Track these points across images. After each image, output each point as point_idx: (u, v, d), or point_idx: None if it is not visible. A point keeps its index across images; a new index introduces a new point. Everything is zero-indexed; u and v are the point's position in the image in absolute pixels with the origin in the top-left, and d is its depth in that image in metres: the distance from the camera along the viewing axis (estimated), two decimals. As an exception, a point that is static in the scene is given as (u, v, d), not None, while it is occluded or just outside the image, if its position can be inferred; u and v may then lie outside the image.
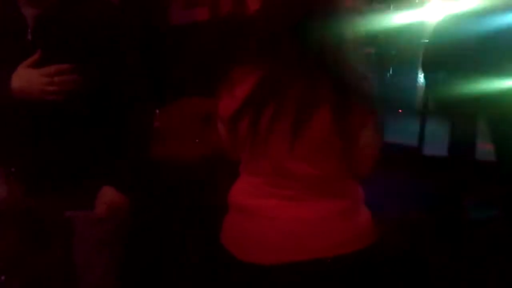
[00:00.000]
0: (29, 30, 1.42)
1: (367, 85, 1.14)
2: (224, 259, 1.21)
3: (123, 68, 1.52)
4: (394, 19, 3.78)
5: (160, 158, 1.54)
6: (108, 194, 1.53)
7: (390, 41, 3.83)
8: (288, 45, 1.09)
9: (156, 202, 1.75)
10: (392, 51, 4.15)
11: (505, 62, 2.61)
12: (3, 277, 1.45)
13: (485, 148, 2.92)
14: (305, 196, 1.17)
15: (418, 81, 4.36)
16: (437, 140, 3.77)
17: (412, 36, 3.88)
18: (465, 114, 2.84)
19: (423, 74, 2.90)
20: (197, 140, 1.64)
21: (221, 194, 1.28)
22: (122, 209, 1.56)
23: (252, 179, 1.20)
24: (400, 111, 4.78)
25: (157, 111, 1.61)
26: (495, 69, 2.61)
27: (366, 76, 1.15)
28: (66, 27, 1.43)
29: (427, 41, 2.82)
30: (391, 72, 4.33)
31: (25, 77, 1.36)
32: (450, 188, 2.98)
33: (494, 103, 2.77)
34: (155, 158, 1.57)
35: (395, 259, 2.44)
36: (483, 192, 2.91)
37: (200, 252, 1.56)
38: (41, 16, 1.42)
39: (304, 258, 1.13)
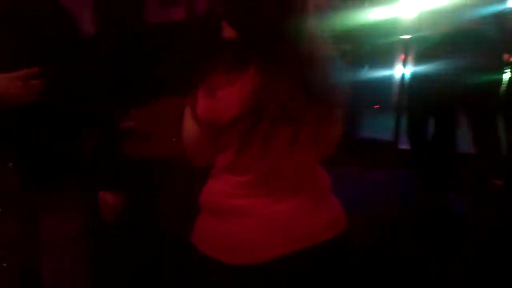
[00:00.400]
0: None
1: (338, 82, 1.16)
2: (205, 263, 1.19)
3: (81, 69, 1.50)
4: (369, 16, 3.84)
5: (136, 157, 1.53)
6: (109, 199, 1.59)
7: (365, 38, 3.88)
8: (277, 46, 1.09)
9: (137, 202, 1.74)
10: (368, 48, 4.19)
11: (480, 59, 2.71)
12: (4, 264, 1.46)
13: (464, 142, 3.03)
14: (289, 191, 1.18)
15: (394, 77, 4.44)
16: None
17: (387, 32, 3.94)
18: (445, 109, 2.93)
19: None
20: (174, 139, 1.64)
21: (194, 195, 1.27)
22: (121, 207, 1.62)
23: (236, 179, 1.18)
24: (376, 106, 4.88)
25: (133, 110, 1.61)
26: (472, 66, 2.72)
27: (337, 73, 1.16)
28: (16, 28, 1.43)
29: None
30: (367, 68, 4.39)
31: None
32: (427, 181, 3.05)
33: (475, 98, 2.88)
34: (131, 157, 1.56)
35: (370, 249, 2.50)
36: (460, 185, 3.00)
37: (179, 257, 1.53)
38: None
39: (288, 252, 1.15)
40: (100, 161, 1.57)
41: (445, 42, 2.74)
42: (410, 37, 3.72)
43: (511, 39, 2.83)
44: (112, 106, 1.56)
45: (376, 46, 4.00)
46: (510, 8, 2.89)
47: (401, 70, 4.04)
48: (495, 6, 2.76)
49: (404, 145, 3.81)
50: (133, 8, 1.92)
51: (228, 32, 1.13)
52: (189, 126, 1.17)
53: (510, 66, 2.92)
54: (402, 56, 4.22)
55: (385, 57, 4.38)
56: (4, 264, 1.48)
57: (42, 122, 1.47)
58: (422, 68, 2.92)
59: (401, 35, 4.00)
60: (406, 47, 4.11)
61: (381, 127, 4.19)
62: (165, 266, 1.73)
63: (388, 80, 4.48)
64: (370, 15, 3.74)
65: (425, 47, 2.95)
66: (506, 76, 2.93)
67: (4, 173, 1.46)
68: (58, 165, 1.53)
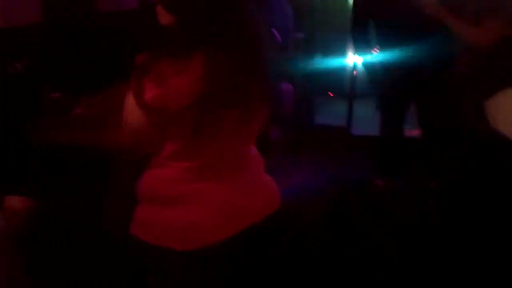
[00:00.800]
0: None
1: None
2: (154, 253, 1.17)
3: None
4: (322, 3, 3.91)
5: (85, 145, 1.51)
6: (15, 204, 1.49)
7: (318, 26, 3.95)
8: (226, 33, 1.10)
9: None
10: (320, 36, 4.27)
11: (431, 46, 2.81)
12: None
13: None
14: (230, 174, 1.21)
15: (347, 65, 4.55)
16: (364, 121, 3.98)
17: (340, 20, 4.02)
18: (395, 95, 3.04)
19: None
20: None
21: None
22: (24, 214, 1.50)
23: (183, 165, 1.17)
24: (331, 94, 4.99)
25: (82, 98, 1.60)
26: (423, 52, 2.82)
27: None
28: None
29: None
30: (320, 56, 4.49)
31: None
32: (380, 165, 3.17)
33: (423, 85, 3.00)
34: (79, 145, 1.53)
35: (323, 231, 2.60)
36: (409, 170, 3.13)
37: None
38: None
39: (235, 231, 1.18)
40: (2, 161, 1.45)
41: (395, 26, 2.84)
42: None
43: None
44: (60, 93, 1.52)
45: (328, 33, 4.08)
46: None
47: (354, 58, 4.14)
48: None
49: (356, 131, 3.94)
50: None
51: (164, 16, 1.12)
52: (134, 115, 1.14)
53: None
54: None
55: (338, 44, 4.49)
56: None
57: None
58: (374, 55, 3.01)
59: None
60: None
61: (334, 114, 4.31)
62: (107, 263, 1.67)
63: (341, 68, 4.59)
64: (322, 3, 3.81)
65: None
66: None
67: None
68: None
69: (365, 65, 3.13)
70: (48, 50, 1.60)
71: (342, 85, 4.56)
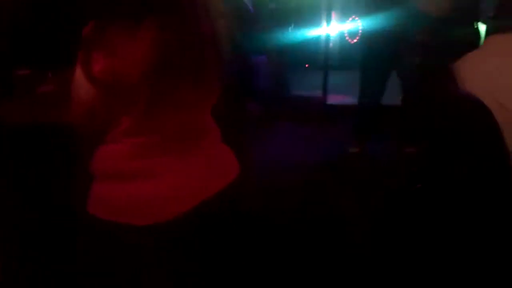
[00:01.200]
0: None
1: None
2: (113, 229, 1.14)
3: None
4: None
5: (54, 123, 1.48)
6: None
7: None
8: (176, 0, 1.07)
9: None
10: (294, 6, 4.25)
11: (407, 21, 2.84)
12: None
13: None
14: (187, 145, 1.19)
15: (321, 36, 4.54)
16: (339, 91, 4.01)
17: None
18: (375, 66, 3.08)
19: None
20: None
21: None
22: None
23: (139, 140, 1.14)
24: (306, 66, 5.01)
25: (50, 74, 1.57)
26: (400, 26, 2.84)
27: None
28: None
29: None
30: (294, 27, 4.46)
31: None
32: (356, 133, 3.21)
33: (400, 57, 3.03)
34: (49, 123, 1.50)
35: (300, 201, 2.64)
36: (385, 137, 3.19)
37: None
38: None
39: (194, 204, 1.16)
40: None
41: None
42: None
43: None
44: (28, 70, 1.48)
45: (302, 4, 4.06)
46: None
47: (328, 29, 4.13)
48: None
49: (332, 100, 3.97)
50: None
51: None
52: (83, 90, 1.09)
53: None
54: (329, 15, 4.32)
55: (312, 15, 4.47)
56: None
57: None
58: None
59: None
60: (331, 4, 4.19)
61: (310, 85, 4.32)
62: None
63: (315, 38, 4.58)
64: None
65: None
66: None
67: None
68: None
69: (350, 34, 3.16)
70: (15, 25, 1.55)
71: (317, 56, 4.56)
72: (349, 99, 3.38)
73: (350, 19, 3.02)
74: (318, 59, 4.49)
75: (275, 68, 3.91)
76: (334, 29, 4.43)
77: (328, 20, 4.20)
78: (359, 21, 2.99)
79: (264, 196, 2.53)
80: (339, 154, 3.18)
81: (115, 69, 1.04)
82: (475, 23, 2.85)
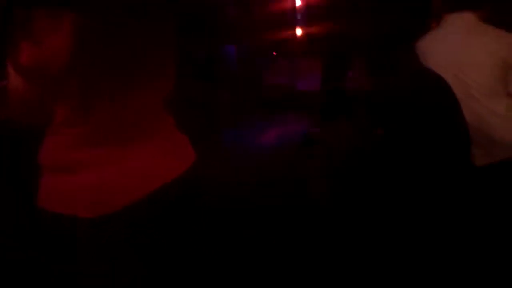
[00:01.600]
0: None
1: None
2: (60, 222, 1.12)
3: None
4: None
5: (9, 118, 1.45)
6: None
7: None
8: None
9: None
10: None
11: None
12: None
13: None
14: (134, 135, 1.14)
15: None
16: (308, 77, 4.07)
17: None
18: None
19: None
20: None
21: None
22: None
23: (78, 131, 1.10)
24: (274, 53, 5.06)
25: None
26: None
27: None
28: None
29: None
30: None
31: None
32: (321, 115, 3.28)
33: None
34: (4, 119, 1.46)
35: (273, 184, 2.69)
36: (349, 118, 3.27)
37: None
38: None
39: (142, 195, 1.12)
40: None
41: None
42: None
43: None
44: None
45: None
46: None
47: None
48: None
49: (302, 87, 4.03)
50: None
51: None
52: (15, 81, 1.05)
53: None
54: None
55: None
56: None
57: None
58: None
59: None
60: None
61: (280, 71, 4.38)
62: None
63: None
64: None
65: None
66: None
67: None
68: None
69: None
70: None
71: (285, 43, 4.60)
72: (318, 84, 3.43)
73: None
74: (286, 46, 4.54)
75: (244, 56, 3.96)
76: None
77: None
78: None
79: (227, 182, 2.56)
80: (304, 137, 3.24)
81: (40, 57, 1.01)
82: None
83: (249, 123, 3.44)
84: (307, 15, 3.81)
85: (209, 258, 1.30)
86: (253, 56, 4.20)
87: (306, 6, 4.28)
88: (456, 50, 1.82)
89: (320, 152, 3.02)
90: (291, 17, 4.57)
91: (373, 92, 3.11)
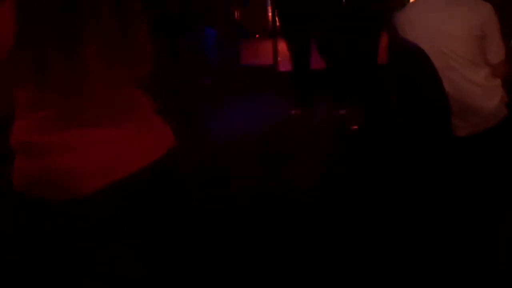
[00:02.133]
0: None
1: None
2: (31, 205, 1.12)
3: None
4: None
5: None
6: None
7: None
8: None
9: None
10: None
11: None
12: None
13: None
14: (106, 118, 1.13)
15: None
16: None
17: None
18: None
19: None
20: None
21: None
22: None
23: (41, 114, 1.09)
24: (257, 36, 5.05)
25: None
26: None
27: None
28: None
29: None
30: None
31: None
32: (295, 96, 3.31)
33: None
34: None
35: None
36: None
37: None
38: None
39: (114, 179, 1.10)
40: None
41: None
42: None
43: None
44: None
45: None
46: None
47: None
48: None
49: (283, 68, 4.01)
50: None
51: None
52: None
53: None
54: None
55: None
56: None
57: None
58: None
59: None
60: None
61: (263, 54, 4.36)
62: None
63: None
64: None
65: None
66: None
67: None
68: None
69: None
70: None
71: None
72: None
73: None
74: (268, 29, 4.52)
75: (224, 39, 3.92)
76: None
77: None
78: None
79: (205, 166, 2.53)
80: (282, 118, 3.24)
81: None
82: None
83: (230, 106, 3.42)
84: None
85: (184, 245, 1.28)
86: (234, 39, 4.16)
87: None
88: (434, 21, 1.81)
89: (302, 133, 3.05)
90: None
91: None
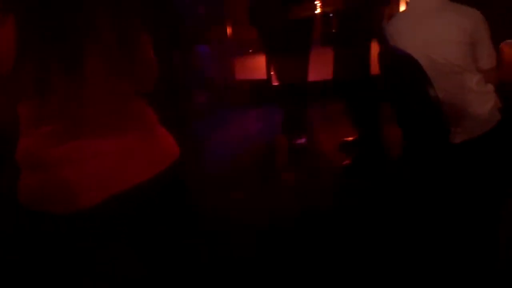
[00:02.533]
0: None
1: None
2: (36, 218, 1.12)
3: None
4: None
5: None
6: None
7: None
8: None
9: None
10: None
11: None
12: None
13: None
14: (105, 129, 1.13)
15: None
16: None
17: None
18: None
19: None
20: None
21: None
22: None
23: (45, 129, 1.10)
24: (250, 50, 5.08)
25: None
26: None
27: None
28: None
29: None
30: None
31: None
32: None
33: None
34: None
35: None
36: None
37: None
38: None
39: (117, 191, 1.11)
40: None
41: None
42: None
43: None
44: None
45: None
46: None
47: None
48: None
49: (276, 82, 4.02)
50: None
51: None
52: None
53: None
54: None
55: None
56: None
57: None
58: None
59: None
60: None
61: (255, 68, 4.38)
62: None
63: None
64: None
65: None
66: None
67: None
68: None
69: None
70: None
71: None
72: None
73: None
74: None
75: (218, 55, 3.93)
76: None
77: None
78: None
79: (207, 178, 2.56)
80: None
81: None
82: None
83: (226, 119, 3.43)
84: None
85: (188, 255, 1.27)
86: (227, 54, 4.19)
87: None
88: (424, 29, 1.82)
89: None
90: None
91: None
